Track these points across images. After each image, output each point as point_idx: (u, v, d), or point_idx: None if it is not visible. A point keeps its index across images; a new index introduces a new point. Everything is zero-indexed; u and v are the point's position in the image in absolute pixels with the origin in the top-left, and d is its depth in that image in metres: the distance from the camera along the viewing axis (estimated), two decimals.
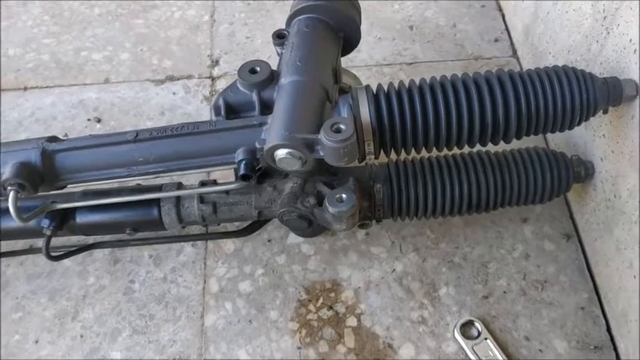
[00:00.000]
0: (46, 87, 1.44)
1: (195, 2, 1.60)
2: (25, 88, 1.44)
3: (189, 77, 1.44)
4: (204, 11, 1.58)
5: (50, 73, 1.47)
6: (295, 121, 0.87)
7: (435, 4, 1.57)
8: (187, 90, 1.41)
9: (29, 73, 1.47)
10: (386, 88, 0.95)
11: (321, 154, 0.86)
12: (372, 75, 1.41)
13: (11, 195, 0.90)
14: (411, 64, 1.44)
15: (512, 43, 1.48)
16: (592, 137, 1.09)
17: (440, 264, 1.13)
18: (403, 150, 0.96)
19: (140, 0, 1.61)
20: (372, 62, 1.44)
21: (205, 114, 1.36)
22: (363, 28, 1.48)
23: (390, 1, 1.57)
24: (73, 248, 1.11)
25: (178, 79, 1.44)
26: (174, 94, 1.41)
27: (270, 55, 1.39)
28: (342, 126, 0.84)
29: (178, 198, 1.04)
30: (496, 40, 1.49)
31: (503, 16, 1.54)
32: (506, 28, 1.52)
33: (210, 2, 1.60)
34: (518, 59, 1.45)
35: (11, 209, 0.90)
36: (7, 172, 0.91)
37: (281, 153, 0.87)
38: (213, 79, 1.44)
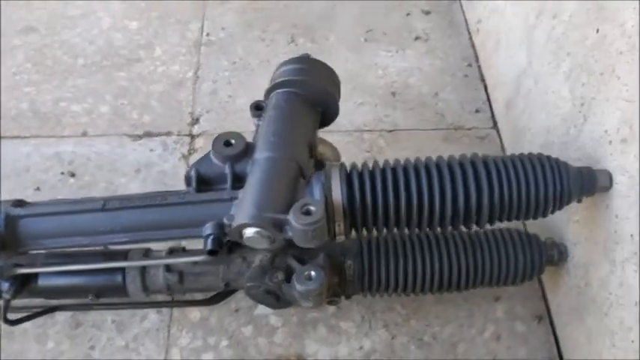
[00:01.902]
0: (23, 137, 1.42)
1: (180, 58, 1.60)
2: (2, 137, 1.42)
3: (169, 134, 1.43)
4: (188, 67, 1.58)
5: (28, 122, 1.45)
6: (265, 200, 0.86)
7: (418, 71, 1.58)
8: (165, 147, 1.40)
9: (9, 122, 1.45)
10: (360, 167, 0.94)
11: (290, 234, 0.85)
12: (352, 141, 1.41)
13: None
14: (391, 131, 1.44)
15: (493, 115, 1.49)
16: (567, 221, 1.09)
17: (409, 342, 1.11)
18: (374, 229, 0.95)
19: (125, 53, 1.61)
20: (352, 128, 1.44)
21: (181, 173, 1.33)
22: (345, 92, 1.49)
23: (375, 67, 1.58)
24: (34, 311, 1.07)
25: (157, 136, 1.43)
26: (151, 150, 1.40)
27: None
28: (311, 208, 0.83)
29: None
30: (477, 111, 1.50)
31: (485, 86, 1.55)
32: (488, 99, 1.53)
33: (196, 59, 1.60)
34: (498, 131, 1.45)
35: None
36: None
37: (249, 232, 0.86)
38: (192, 136, 1.43)
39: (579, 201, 0.96)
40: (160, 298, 1.13)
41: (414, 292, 1.05)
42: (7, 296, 0.99)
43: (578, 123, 1.04)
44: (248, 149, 0.95)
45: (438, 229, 0.96)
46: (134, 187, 1.31)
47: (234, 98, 1.51)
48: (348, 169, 0.94)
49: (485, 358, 1.10)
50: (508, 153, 1.38)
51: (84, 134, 1.43)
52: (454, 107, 1.50)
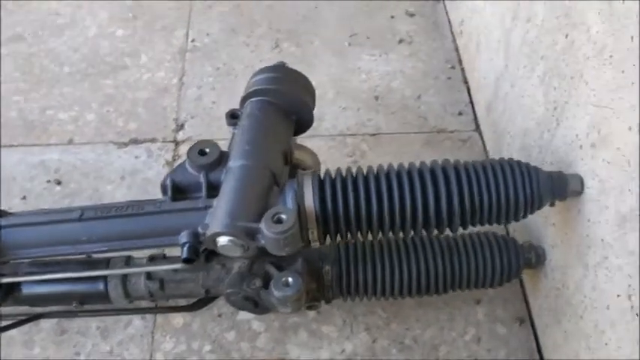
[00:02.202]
0: (10, 146, 1.44)
1: (165, 64, 1.61)
2: None
3: (153, 140, 1.45)
4: (173, 74, 1.59)
5: (15, 131, 1.47)
6: (238, 209, 0.87)
7: (401, 74, 1.59)
8: (150, 154, 1.42)
9: None
10: (333, 175, 0.95)
11: (263, 242, 0.86)
12: (335, 145, 1.42)
13: None
14: (373, 135, 1.45)
15: (475, 117, 1.50)
16: (544, 224, 1.10)
17: (390, 345, 1.12)
18: (348, 236, 0.96)
19: (111, 60, 1.63)
20: (336, 132, 1.45)
21: None
22: (329, 96, 1.51)
23: (358, 71, 1.59)
24: (19, 318, 1.09)
25: (142, 142, 1.44)
26: (136, 157, 1.41)
27: None
28: (283, 216, 0.84)
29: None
30: (460, 114, 1.50)
31: (468, 88, 1.56)
32: (471, 101, 1.53)
33: (180, 65, 1.61)
34: (480, 134, 1.46)
35: None
36: None
37: (223, 240, 0.86)
38: (176, 143, 1.45)
39: (552, 205, 0.97)
40: (144, 304, 1.14)
41: (392, 297, 1.06)
42: None
43: (551, 127, 1.05)
44: (222, 158, 0.96)
45: (412, 234, 0.98)
46: (119, 194, 1.33)
47: (218, 104, 1.52)
48: (322, 176, 0.95)
49: None
50: (490, 156, 1.39)
51: (70, 142, 1.44)
52: (437, 110, 1.51)
